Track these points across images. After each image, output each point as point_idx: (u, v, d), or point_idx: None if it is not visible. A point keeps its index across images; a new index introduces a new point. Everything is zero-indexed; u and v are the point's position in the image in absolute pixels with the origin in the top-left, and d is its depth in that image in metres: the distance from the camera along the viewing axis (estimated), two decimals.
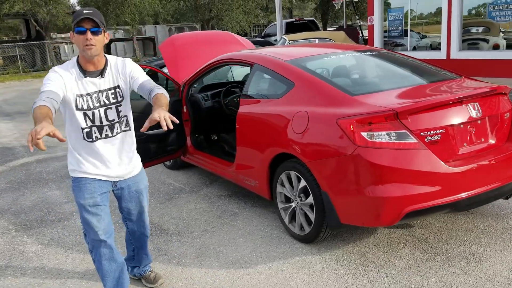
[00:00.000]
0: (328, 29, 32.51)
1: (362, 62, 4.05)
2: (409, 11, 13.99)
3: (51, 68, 2.53)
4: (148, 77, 2.62)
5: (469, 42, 12.95)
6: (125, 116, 2.66)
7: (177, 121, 2.21)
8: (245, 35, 36.83)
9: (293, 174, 3.55)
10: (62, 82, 2.44)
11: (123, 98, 2.61)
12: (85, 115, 2.52)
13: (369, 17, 14.87)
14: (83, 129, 2.54)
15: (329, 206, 3.23)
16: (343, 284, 3.02)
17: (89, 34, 2.37)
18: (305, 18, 18.95)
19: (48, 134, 1.98)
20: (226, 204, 4.55)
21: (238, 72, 6.07)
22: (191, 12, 35.51)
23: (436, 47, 13.61)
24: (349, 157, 3.02)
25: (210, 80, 5.45)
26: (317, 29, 17.82)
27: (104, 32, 2.45)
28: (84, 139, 2.56)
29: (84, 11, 2.36)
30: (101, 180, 2.65)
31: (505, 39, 12.47)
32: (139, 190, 2.83)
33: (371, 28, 14.85)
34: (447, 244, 3.42)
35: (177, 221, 4.23)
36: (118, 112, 2.59)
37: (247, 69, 5.76)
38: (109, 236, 2.72)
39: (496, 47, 12.72)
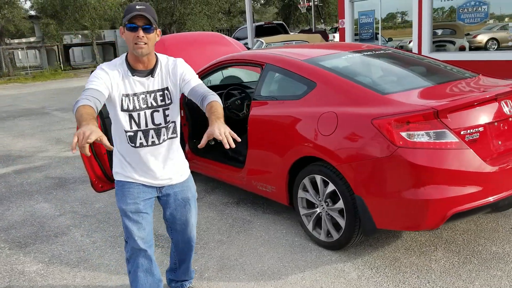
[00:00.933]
0: (291, 33, 32.82)
1: (378, 61, 3.93)
2: (380, 14, 14.19)
3: (99, 65, 2.33)
4: (200, 81, 2.43)
5: (437, 44, 13.25)
6: (173, 121, 2.44)
7: (239, 139, 2.01)
8: None
9: (318, 178, 3.38)
10: (109, 80, 2.25)
11: (171, 102, 2.40)
12: (130, 116, 2.33)
13: (340, 20, 14.99)
14: (126, 132, 2.35)
15: (363, 210, 3.08)
16: None
17: (141, 32, 2.20)
18: (274, 22, 18.93)
19: (96, 140, 1.80)
20: (235, 212, 4.33)
21: (229, 75, 5.85)
22: None
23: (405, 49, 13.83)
24: (388, 158, 2.88)
25: (205, 83, 5.21)
26: (286, 32, 17.82)
27: (156, 29, 2.26)
28: (128, 143, 2.38)
29: (137, 7, 2.18)
30: (145, 185, 2.46)
31: (468, 41, 12.86)
32: (186, 198, 2.62)
33: (342, 31, 14.97)
34: (478, 245, 3.35)
35: None
36: (165, 116, 2.39)
37: (242, 72, 5.57)
38: (149, 246, 2.53)
39: (462, 48, 13.07)
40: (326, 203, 3.39)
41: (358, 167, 3.05)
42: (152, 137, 2.37)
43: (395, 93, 3.18)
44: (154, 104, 2.35)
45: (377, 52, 4.09)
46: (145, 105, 2.32)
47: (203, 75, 4.63)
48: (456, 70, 3.84)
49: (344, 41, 14.90)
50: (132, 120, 2.33)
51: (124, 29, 2.24)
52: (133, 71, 2.32)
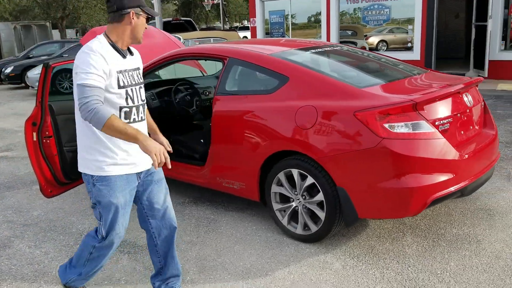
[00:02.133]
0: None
1: (339, 57, 4.04)
2: (290, 14, 14.62)
3: (87, 47, 2.27)
4: None
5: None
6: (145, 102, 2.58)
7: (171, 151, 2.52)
8: None
9: (295, 172, 3.39)
10: (106, 65, 2.26)
11: (143, 81, 2.57)
12: (126, 92, 2.38)
13: (251, 19, 15.18)
14: (121, 108, 2.36)
15: (346, 201, 3.15)
16: (374, 280, 2.97)
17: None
18: (181, 18, 18.59)
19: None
20: (196, 211, 4.18)
21: (168, 71, 5.64)
22: (42, 8, 32.28)
23: None
24: (372, 150, 2.97)
25: (156, 76, 4.96)
26: (193, 29, 17.58)
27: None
28: (123, 120, 2.35)
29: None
30: (129, 174, 2.45)
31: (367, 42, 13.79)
32: (160, 178, 2.63)
33: (253, 30, 15.19)
34: (440, 229, 3.60)
35: None
36: (141, 94, 2.51)
37: (184, 68, 5.40)
38: None
39: (363, 49, 13.96)
40: (303, 197, 3.41)
41: (341, 159, 3.11)
42: (141, 113, 2.47)
43: (368, 87, 3.29)
44: (140, 80, 2.48)
45: (335, 48, 4.20)
46: (134, 82, 2.42)
47: (154, 67, 4.40)
48: (409, 66, 4.08)
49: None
50: (128, 96, 2.38)
51: (140, 16, 2.36)
52: (120, 50, 2.38)
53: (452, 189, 3.08)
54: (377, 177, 3.01)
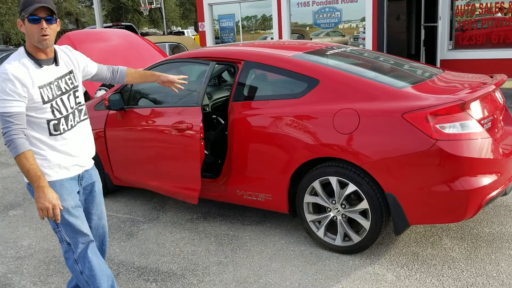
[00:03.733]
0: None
1: (357, 58, 3.89)
2: (240, 19, 14.44)
3: (2, 69, 2.18)
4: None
5: None
6: (83, 104, 2.50)
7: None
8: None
9: (334, 179, 3.18)
10: (23, 87, 2.18)
11: (78, 84, 2.47)
12: (52, 106, 2.30)
13: (200, 23, 14.84)
14: (49, 122, 2.30)
15: (396, 208, 3.00)
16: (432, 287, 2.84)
17: (44, 24, 2.19)
18: (122, 23, 17.81)
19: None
20: (210, 228, 3.85)
21: None
22: None
23: None
24: (426, 152, 2.84)
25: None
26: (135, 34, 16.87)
27: (57, 20, 2.27)
28: (51, 134, 2.32)
29: None
30: (71, 178, 2.40)
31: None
32: (99, 188, 2.60)
33: (203, 34, 14.85)
34: (472, 229, 3.55)
35: (173, 258, 3.38)
36: (75, 98, 2.43)
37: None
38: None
39: None
40: (343, 206, 3.21)
41: (390, 163, 2.94)
42: (71, 121, 2.39)
43: (405, 87, 3.16)
44: (67, 88, 2.38)
45: (347, 49, 4.05)
46: (60, 92, 2.35)
47: (156, 66, 4.04)
48: (422, 65, 4.02)
49: (206, 44, 14.81)
50: (54, 109, 2.31)
51: (25, 21, 2.20)
52: (39, 61, 2.29)
53: (500, 188, 3.02)
54: (431, 181, 2.88)
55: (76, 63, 2.48)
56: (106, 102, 4.04)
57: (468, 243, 3.34)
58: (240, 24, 14.44)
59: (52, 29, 2.25)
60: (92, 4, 43.01)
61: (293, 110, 3.30)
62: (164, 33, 20.28)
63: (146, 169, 4.00)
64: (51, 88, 2.30)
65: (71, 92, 2.40)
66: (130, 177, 4.23)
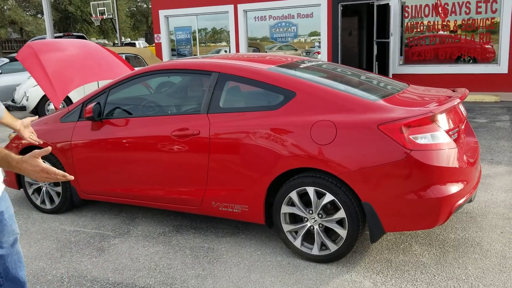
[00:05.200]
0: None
1: (328, 72, 4.00)
2: (197, 31, 14.44)
3: None
4: None
5: None
6: None
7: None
8: None
9: (311, 190, 3.25)
10: None
11: None
12: None
13: (156, 35, 14.71)
14: None
15: (372, 216, 3.10)
16: None
17: None
18: (73, 33, 17.34)
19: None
20: (184, 241, 3.81)
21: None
22: None
23: None
24: (401, 162, 2.97)
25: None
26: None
27: None
28: None
29: None
30: None
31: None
32: (11, 215, 2.29)
33: (159, 46, 14.73)
34: (438, 235, 3.71)
35: (149, 273, 3.32)
36: None
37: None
38: None
39: None
40: (319, 215, 3.28)
41: (366, 173, 3.05)
42: None
43: (380, 99, 3.29)
44: None
45: (318, 63, 4.17)
46: None
47: (119, 83, 3.99)
48: (389, 80, 4.20)
49: (162, 56, 14.70)
50: None
51: None
52: None
53: (467, 196, 3.19)
54: (405, 189, 3.00)
55: None
56: (90, 113, 3.93)
57: (437, 249, 3.49)
58: (197, 36, 14.44)
59: None
60: (37, 13, 41.65)
61: (270, 122, 3.36)
62: (113, 44, 19.87)
63: (135, 177, 3.92)
64: None
65: None
66: (104, 189, 4.12)
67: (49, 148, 1.97)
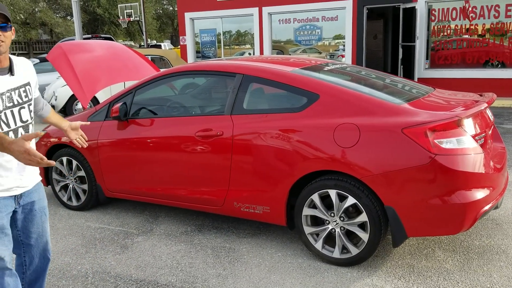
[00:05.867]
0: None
1: (353, 75, 3.99)
2: (221, 34, 14.55)
3: None
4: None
5: None
6: (32, 120, 2.42)
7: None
8: None
9: (333, 192, 3.25)
10: None
11: (32, 98, 2.40)
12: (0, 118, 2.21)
13: (181, 37, 14.88)
14: None
15: (395, 220, 3.07)
16: None
17: None
18: (101, 35, 17.70)
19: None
20: (205, 240, 3.84)
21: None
22: None
23: None
24: (425, 166, 2.94)
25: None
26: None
27: (12, 27, 2.23)
28: None
29: None
30: (5, 197, 2.28)
31: None
32: (43, 207, 2.51)
33: (184, 48, 14.89)
34: (462, 242, 3.66)
35: (171, 271, 3.37)
36: (30, 112, 2.36)
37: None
38: (13, 266, 2.42)
39: None
40: (341, 218, 3.27)
41: (389, 177, 3.03)
42: (21, 135, 2.29)
43: (405, 103, 3.27)
44: (20, 101, 2.31)
45: (342, 66, 4.16)
46: (11, 103, 2.26)
47: (145, 84, 4.06)
48: (415, 83, 4.16)
49: (187, 57, 14.85)
50: (1, 121, 2.23)
51: None
52: None
53: (493, 202, 3.14)
54: (429, 194, 2.97)
55: (33, 77, 2.44)
56: (116, 112, 4.02)
57: (461, 255, 3.44)
58: (221, 38, 14.55)
59: (7, 36, 2.22)
60: (67, 15, 42.63)
61: (293, 124, 3.37)
62: (139, 45, 20.19)
63: (158, 177, 3.98)
64: (2, 99, 2.22)
65: (25, 105, 2.33)
66: (129, 187, 4.19)
67: (40, 132, 2.07)
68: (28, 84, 2.36)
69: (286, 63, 3.90)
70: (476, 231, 3.84)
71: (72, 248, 3.79)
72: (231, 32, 14.52)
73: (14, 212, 2.37)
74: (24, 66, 2.38)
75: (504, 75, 10.91)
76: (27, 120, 2.33)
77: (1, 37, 2.17)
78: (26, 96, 2.33)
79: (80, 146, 2.79)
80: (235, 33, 14.50)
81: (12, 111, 2.25)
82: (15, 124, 2.27)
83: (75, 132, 2.74)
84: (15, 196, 2.32)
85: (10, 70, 2.28)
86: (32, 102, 2.40)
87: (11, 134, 2.25)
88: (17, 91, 2.29)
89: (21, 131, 2.30)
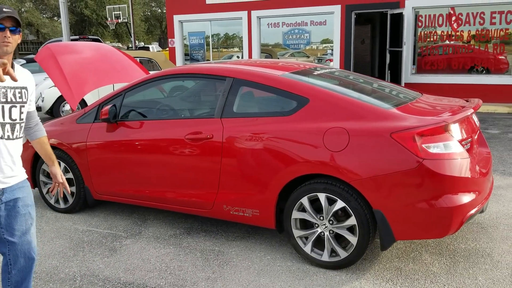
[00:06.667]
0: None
1: (344, 78, 4.02)
2: (210, 36, 14.55)
3: None
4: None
5: None
6: (24, 122, 2.49)
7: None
8: None
9: (322, 196, 3.27)
10: None
11: (26, 101, 2.48)
12: None
13: (170, 40, 14.84)
14: None
15: (383, 224, 3.11)
16: None
17: (8, 33, 2.33)
18: (89, 36, 17.57)
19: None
20: (194, 243, 3.84)
21: None
22: None
23: None
24: (413, 170, 2.98)
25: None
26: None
27: (20, 32, 2.39)
28: None
29: (4, 9, 2.33)
30: None
31: None
32: (27, 205, 2.53)
33: (172, 50, 14.86)
34: (448, 245, 3.71)
35: (160, 274, 3.36)
36: (21, 113, 2.45)
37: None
38: None
39: None
40: (330, 222, 3.30)
41: (378, 181, 3.06)
42: (7, 131, 2.39)
43: (392, 108, 3.31)
44: (13, 99, 2.40)
45: (332, 70, 4.20)
46: (4, 99, 2.36)
47: (134, 86, 4.05)
48: (402, 88, 4.21)
49: (175, 60, 14.81)
50: None
51: None
52: None
53: (478, 206, 3.19)
54: (417, 198, 3.01)
55: (30, 85, 2.52)
56: (106, 114, 4.01)
57: (447, 259, 3.49)
58: (210, 41, 14.55)
59: (14, 39, 2.36)
60: (53, 15, 42.25)
61: (283, 127, 3.39)
62: (127, 47, 20.08)
63: (147, 179, 3.97)
64: None
65: (17, 105, 2.42)
66: (117, 190, 4.17)
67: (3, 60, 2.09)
68: (25, 88, 2.46)
69: (276, 67, 3.93)
70: (462, 234, 3.89)
71: (60, 251, 3.76)
72: (219, 35, 14.53)
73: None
74: (25, 74, 2.51)
75: (489, 81, 11.08)
76: (16, 119, 2.40)
77: (9, 38, 2.32)
78: (21, 97, 2.43)
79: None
80: (223, 36, 14.51)
81: (3, 107, 2.34)
82: (3, 119, 2.35)
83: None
84: None
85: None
86: (26, 106, 2.47)
87: None
88: (12, 90, 2.38)
89: (7, 127, 2.37)
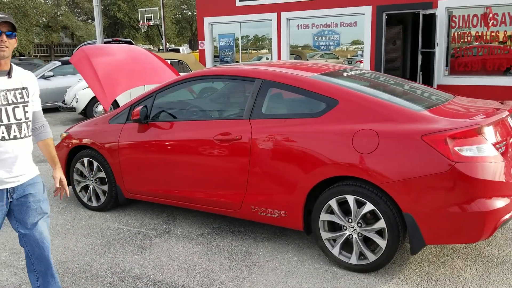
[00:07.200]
0: None
1: (374, 80, 3.98)
2: (239, 38, 14.63)
3: None
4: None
5: None
6: (30, 121, 2.58)
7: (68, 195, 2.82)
8: (20, 54, 32.79)
9: (351, 198, 3.25)
10: None
11: (28, 101, 2.55)
12: None
13: (199, 42, 15.00)
14: None
15: (413, 228, 3.06)
16: None
17: (4, 37, 2.42)
18: (122, 39, 17.94)
19: None
20: (223, 243, 3.87)
21: None
22: None
23: None
24: (445, 174, 2.92)
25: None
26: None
27: (16, 36, 2.48)
28: None
29: (0, 15, 2.40)
30: None
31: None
32: (38, 200, 2.63)
33: (202, 52, 15.00)
34: (481, 250, 3.62)
35: (188, 272, 3.40)
36: (25, 112, 2.53)
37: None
38: None
39: None
40: (359, 224, 3.27)
41: (408, 184, 3.02)
42: (14, 131, 2.47)
43: (423, 110, 3.26)
44: (15, 100, 2.48)
45: (362, 71, 4.16)
46: (6, 102, 2.44)
47: (165, 87, 4.12)
48: (434, 90, 4.14)
49: (205, 62, 14.95)
50: None
51: None
52: None
53: None
54: (448, 202, 2.95)
55: (31, 86, 2.59)
56: (137, 115, 4.09)
57: (479, 264, 3.40)
58: (239, 42, 14.62)
59: (11, 43, 2.45)
60: (87, 18, 43.33)
61: (312, 129, 3.38)
62: (158, 49, 20.40)
63: (177, 179, 4.03)
64: None
65: (19, 105, 2.50)
66: (147, 189, 4.25)
67: None
68: (25, 88, 2.54)
69: (305, 69, 3.92)
70: (495, 240, 3.79)
71: (92, 248, 3.85)
72: (249, 36, 14.58)
73: (11, 204, 2.54)
74: (24, 74, 2.58)
75: None
76: (21, 119, 2.49)
77: (6, 43, 2.42)
78: (22, 97, 2.51)
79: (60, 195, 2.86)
80: (253, 38, 14.55)
81: (6, 109, 2.44)
82: (8, 120, 2.44)
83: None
84: (6, 189, 2.49)
85: (9, 74, 2.50)
86: (29, 105, 2.55)
87: (3, 128, 2.43)
88: (12, 92, 2.48)
89: (14, 127, 2.46)
